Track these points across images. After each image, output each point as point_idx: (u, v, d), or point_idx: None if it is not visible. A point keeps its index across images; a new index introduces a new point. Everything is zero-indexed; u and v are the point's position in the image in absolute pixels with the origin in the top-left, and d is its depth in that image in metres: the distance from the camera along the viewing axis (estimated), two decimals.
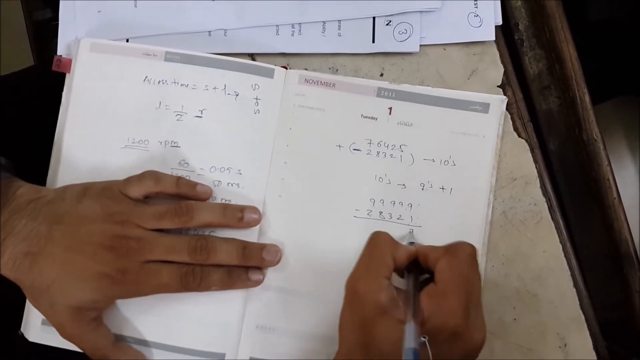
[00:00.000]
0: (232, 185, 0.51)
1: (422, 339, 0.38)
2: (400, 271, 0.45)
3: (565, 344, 0.50)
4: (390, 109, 0.52)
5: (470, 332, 0.40)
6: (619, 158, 0.94)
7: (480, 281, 0.43)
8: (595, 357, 0.50)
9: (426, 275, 0.44)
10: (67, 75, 0.53)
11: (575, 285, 0.51)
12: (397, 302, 0.41)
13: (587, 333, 0.51)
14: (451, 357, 0.40)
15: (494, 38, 0.53)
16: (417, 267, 0.44)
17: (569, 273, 0.51)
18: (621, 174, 0.94)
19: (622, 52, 0.90)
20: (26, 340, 0.51)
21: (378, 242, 0.44)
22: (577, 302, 0.51)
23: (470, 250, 0.43)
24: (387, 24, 0.53)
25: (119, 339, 0.50)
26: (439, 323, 0.40)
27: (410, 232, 0.51)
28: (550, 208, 0.51)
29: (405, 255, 0.44)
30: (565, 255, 0.51)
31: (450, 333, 0.40)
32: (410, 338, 0.37)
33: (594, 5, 0.93)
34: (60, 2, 0.55)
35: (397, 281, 0.44)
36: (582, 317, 0.51)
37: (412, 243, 0.48)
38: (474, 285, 0.42)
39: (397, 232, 0.51)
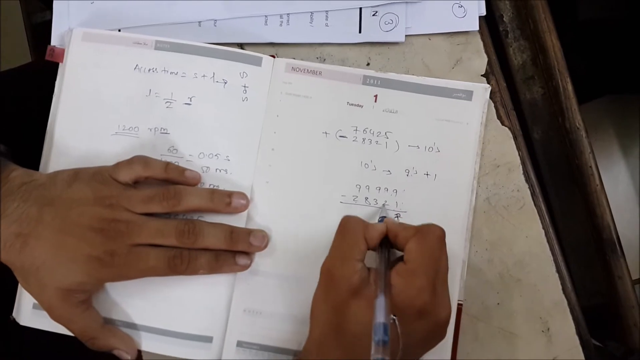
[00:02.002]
0: (220, 171, 0.52)
1: (392, 317, 0.39)
2: (374, 248, 0.46)
3: (548, 328, 0.51)
4: (376, 96, 0.53)
5: (436, 310, 0.42)
6: (609, 155, 0.95)
7: (447, 262, 0.44)
8: (578, 342, 0.51)
9: (399, 253, 0.45)
10: (60, 64, 0.54)
11: (558, 270, 0.51)
12: (368, 281, 0.43)
13: (570, 318, 0.51)
14: (417, 332, 0.42)
15: (477, 28, 0.54)
16: (389, 243, 0.46)
17: (552, 258, 0.52)
18: (612, 170, 0.95)
19: (612, 51, 0.91)
20: (18, 325, 0.52)
21: (349, 225, 0.45)
22: (560, 287, 0.51)
23: (440, 232, 0.44)
24: (373, 15, 0.54)
25: (108, 322, 0.51)
26: (407, 300, 0.41)
27: (382, 205, 0.51)
28: (533, 194, 0.52)
29: (377, 234, 0.45)
30: (548, 241, 0.52)
31: (418, 310, 0.41)
32: (380, 313, 0.38)
33: (584, 4, 0.94)
34: None
35: (371, 258, 0.45)
36: (565, 301, 0.51)
37: (383, 217, 0.49)
38: (441, 265, 0.43)
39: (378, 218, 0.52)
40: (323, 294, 0.44)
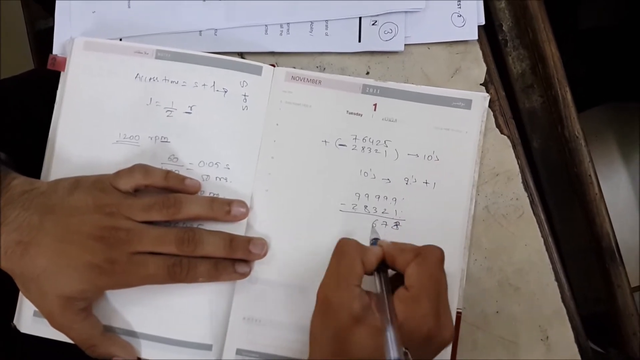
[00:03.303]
0: (220, 179, 0.53)
1: (404, 350, 0.39)
2: (370, 273, 0.45)
3: (547, 337, 0.51)
4: (375, 105, 0.53)
5: (441, 332, 0.42)
6: (610, 162, 0.95)
7: (446, 281, 0.43)
8: (577, 350, 0.51)
9: (394, 273, 0.45)
10: (61, 73, 0.54)
11: (557, 278, 0.52)
12: (370, 308, 0.42)
13: (569, 326, 0.51)
14: (424, 355, 0.42)
15: (476, 37, 0.54)
16: (385, 266, 0.45)
17: (551, 266, 0.52)
18: (612, 178, 0.95)
19: (612, 59, 0.91)
20: (19, 332, 0.52)
21: (346, 249, 0.45)
22: (559, 295, 0.51)
23: (440, 254, 0.44)
24: (372, 24, 0.55)
25: (108, 330, 0.51)
26: (413, 328, 0.41)
27: (373, 226, 0.51)
28: (532, 203, 0.52)
29: (374, 259, 0.45)
30: (547, 249, 0.52)
31: (424, 336, 0.41)
32: (393, 347, 0.38)
33: (584, 13, 0.94)
34: (56, 3, 0.57)
35: (368, 281, 0.44)
36: (564, 310, 0.51)
37: (375, 240, 0.48)
38: (442, 287, 0.43)
39: (380, 225, 0.52)
40: (321, 319, 0.44)
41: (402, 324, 0.41)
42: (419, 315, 0.41)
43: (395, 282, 0.44)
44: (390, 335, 0.39)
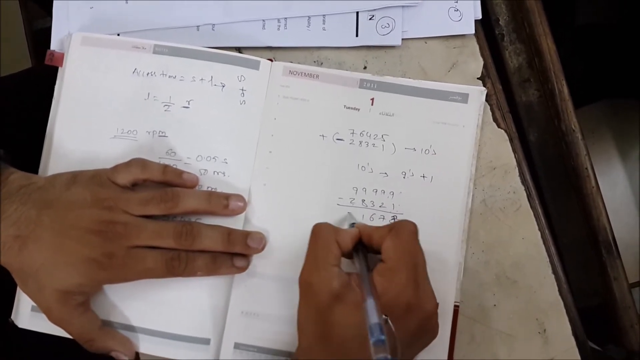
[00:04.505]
0: (218, 173, 0.53)
1: (384, 317, 0.39)
2: (349, 254, 0.47)
3: (545, 330, 0.51)
4: (373, 99, 0.53)
5: (421, 303, 0.43)
6: (608, 159, 0.95)
7: (424, 255, 0.45)
8: (574, 343, 0.51)
9: (377, 256, 0.46)
10: (59, 68, 0.54)
11: (554, 271, 0.52)
12: (351, 285, 0.43)
13: (566, 319, 0.51)
14: (407, 328, 0.42)
15: (473, 31, 0.54)
16: (364, 247, 0.46)
17: (548, 260, 0.52)
18: (610, 174, 0.95)
19: (609, 55, 0.92)
20: (17, 327, 0.52)
21: (320, 232, 0.46)
22: (556, 288, 0.52)
23: (412, 227, 0.45)
24: (370, 19, 0.55)
25: (106, 324, 0.51)
26: (393, 298, 0.42)
27: (348, 213, 0.52)
28: (529, 196, 0.52)
29: (349, 238, 0.46)
30: (544, 242, 0.52)
31: (404, 306, 0.42)
32: (372, 314, 0.39)
33: (582, 9, 0.94)
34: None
35: (349, 265, 0.46)
36: (561, 303, 0.51)
37: (353, 224, 0.49)
38: (419, 259, 0.44)
39: (376, 219, 0.52)
40: (305, 304, 0.45)
41: (382, 295, 0.42)
42: (397, 285, 0.43)
43: (376, 264, 0.45)
44: (370, 304, 0.40)
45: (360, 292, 0.42)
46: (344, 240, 0.46)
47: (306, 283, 0.44)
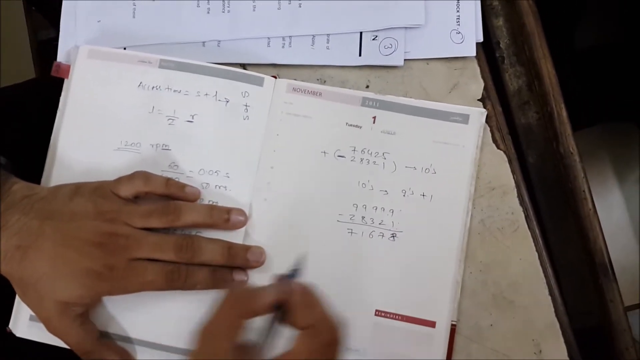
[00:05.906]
0: (219, 187, 0.53)
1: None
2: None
3: (541, 351, 0.51)
4: (374, 118, 0.54)
5: None
6: (605, 182, 0.96)
7: None
8: None
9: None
10: (65, 80, 0.55)
11: (551, 292, 0.52)
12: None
13: (562, 340, 0.52)
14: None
15: (474, 54, 0.55)
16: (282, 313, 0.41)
17: (545, 281, 0.52)
18: (607, 197, 0.96)
19: (608, 79, 0.93)
20: (15, 336, 0.52)
21: (232, 302, 0.41)
22: (552, 310, 0.52)
23: (330, 338, 0.40)
24: (373, 39, 0.56)
25: (105, 336, 0.51)
26: None
27: (297, 258, 0.46)
28: (527, 217, 0.53)
29: (266, 305, 0.40)
30: (541, 264, 0.52)
31: None
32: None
33: (581, 33, 0.95)
34: (62, 11, 0.58)
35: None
36: (557, 324, 0.52)
37: (295, 270, 0.44)
38: None
39: (376, 237, 0.52)
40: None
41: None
42: None
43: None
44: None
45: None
46: (259, 309, 0.40)
47: (203, 341, 0.40)
